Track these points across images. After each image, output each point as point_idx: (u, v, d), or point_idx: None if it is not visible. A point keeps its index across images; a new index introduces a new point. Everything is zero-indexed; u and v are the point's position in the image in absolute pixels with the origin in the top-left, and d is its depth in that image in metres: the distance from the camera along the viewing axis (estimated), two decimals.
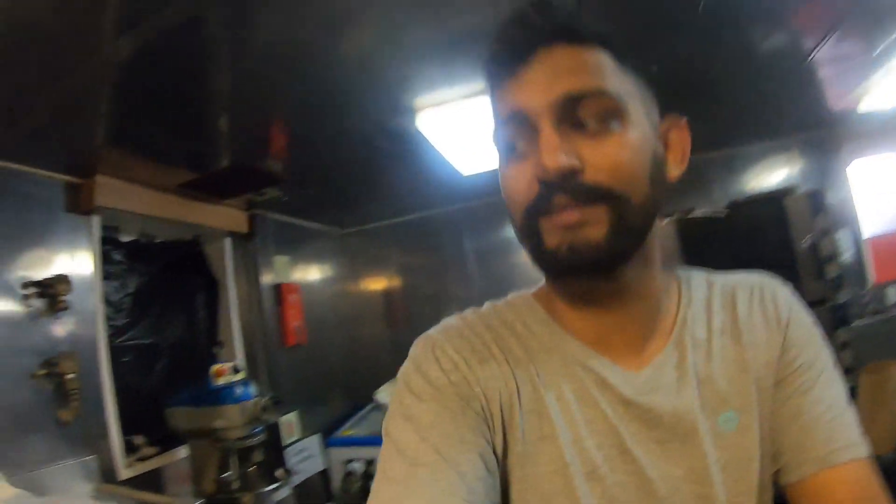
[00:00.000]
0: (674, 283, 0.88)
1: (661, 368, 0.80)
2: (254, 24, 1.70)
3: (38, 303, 2.28)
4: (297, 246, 3.98)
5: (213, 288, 3.40)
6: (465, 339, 0.83)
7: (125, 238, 2.87)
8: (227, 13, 1.62)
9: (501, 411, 0.78)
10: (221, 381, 2.48)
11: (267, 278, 3.57)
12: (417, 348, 0.83)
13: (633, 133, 0.70)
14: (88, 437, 2.32)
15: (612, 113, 0.69)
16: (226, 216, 3.30)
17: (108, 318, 2.63)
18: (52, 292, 2.31)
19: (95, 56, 1.70)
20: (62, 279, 2.33)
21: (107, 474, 2.35)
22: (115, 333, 2.69)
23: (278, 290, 3.61)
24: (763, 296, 0.86)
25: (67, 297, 2.34)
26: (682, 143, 0.81)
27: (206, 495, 2.53)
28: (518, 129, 0.72)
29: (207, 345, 3.35)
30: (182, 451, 2.72)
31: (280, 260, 3.69)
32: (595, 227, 0.68)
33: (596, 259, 0.69)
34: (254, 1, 1.59)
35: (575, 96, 0.68)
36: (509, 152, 0.75)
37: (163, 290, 3.03)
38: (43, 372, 2.21)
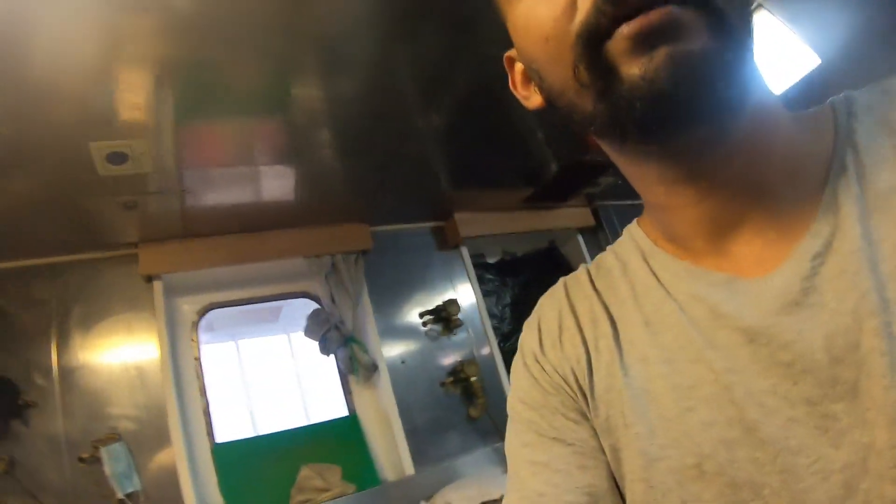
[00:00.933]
0: (823, 118, 0.55)
1: (802, 261, 0.48)
2: None
3: (436, 327, 2.86)
4: None
5: None
6: (544, 315, 0.68)
7: (491, 260, 3.37)
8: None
9: (585, 397, 0.60)
10: None
11: None
12: None
13: None
14: (496, 427, 2.79)
15: None
16: (572, 216, 3.57)
17: (495, 328, 3.13)
18: (445, 315, 2.88)
19: (421, 128, 2.22)
20: (451, 302, 2.89)
21: None
22: (503, 339, 3.19)
23: None
24: None
25: (458, 317, 2.89)
26: None
27: None
28: None
29: None
30: None
31: None
32: (694, 35, 0.43)
33: (710, 75, 0.43)
34: None
35: None
36: None
37: (535, 295, 3.43)
38: (450, 380, 2.77)
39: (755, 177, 0.50)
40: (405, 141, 2.27)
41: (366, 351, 2.55)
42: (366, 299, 2.68)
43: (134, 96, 1.70)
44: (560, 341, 0.63)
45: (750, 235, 0.51)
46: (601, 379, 0.58)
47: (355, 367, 2.54)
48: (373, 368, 2.56)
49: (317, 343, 2.50)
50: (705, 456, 0.49)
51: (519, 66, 0.61)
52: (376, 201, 2.69)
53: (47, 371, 2.31)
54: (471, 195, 2.99)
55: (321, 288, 2.57)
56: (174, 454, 2.28)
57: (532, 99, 0.59)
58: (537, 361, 0.64)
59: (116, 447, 2.20)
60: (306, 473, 2.43)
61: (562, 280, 0.70)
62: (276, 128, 2.04)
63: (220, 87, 1.76)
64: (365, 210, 2.72)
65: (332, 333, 2.44)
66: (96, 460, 2.16)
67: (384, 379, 2.61)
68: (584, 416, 0.59)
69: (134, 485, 2.18)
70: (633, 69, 0.43)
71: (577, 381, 0.60)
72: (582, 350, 0.61)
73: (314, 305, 2.79)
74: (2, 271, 2.34)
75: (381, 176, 2.49)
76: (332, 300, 2.52)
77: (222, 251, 2.55)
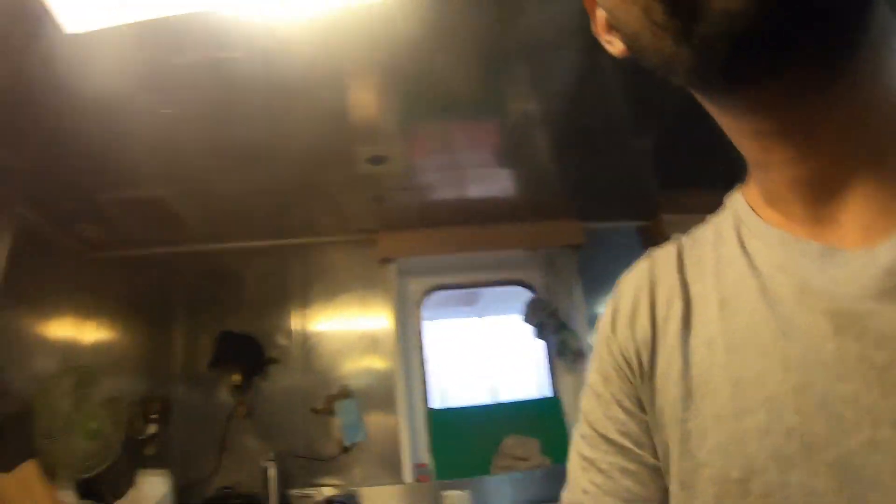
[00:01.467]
0: None
1: None
2: None
3: None
4: None
5: None
6: (622, 292, 0.61)
7: None
8: None
9: (645, 385, 0.54)
10: None
11: None
12: None
13: None
14: None
15: None
16: None
17: None
18: None
19: (629, 133, 2.41)
20: None
21: None
22: None
23: None
24: None
25: None
26: None
27: None
28: None
29: None
30: None
31: None
32: None
33: (806, 4, 0.34)
34: None
35: None
36: None
37: None
38: None
39: (868, 131, 0.41)
40: (614, 145, 2.44)
41: (577, 338, 2.76)
42: (577, 290, 2.89)
43: (384, 106, 2.06)
44: (632, 321, 0.56)
45: (859, 201, 0.41)
46: (662, 367, 0.52)
47: (566, 352, 2.77)
48: (581, 354, 2.77)
49: (533, 328, 2.77)
50: (754, 471, 0.41)
51: (601, 10, 0.53)
52: (588, 200, 2.89)
53: (289, 334, 2.77)
54: (676, 197, 3.08)
55: (537, 278, 2.82)
56: (396, 414, 2.64)
57: (615, 44, 0.52)
58: (606, 342, 0.59)
59: (348, 402, 2.60)
60: (509, 443, 2.69)
61: (649, 252, 0.62)
62: (497, 132, 2.30)
63: (449, 98, 2.04)
64: (578, 208, 2.93)
65: (549, 321, 2.69)
66: (328, 412, 2.57)
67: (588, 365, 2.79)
68: (642, 408, 0.54)
69: (360, 436, 2.56)
70: (713, 1, 0.35)
71: (640, 365, 0.54)
72: (650, 332, 0.54)
73: (519, 293, 3.07)
74: (256, 248, 2.86)
75: (593, 177, 2.68)
76: (548, 290, 2.77)
77: (450, 240, 2.88)
